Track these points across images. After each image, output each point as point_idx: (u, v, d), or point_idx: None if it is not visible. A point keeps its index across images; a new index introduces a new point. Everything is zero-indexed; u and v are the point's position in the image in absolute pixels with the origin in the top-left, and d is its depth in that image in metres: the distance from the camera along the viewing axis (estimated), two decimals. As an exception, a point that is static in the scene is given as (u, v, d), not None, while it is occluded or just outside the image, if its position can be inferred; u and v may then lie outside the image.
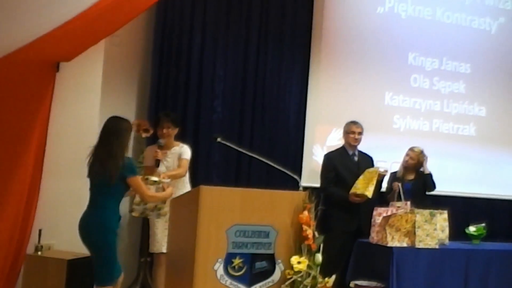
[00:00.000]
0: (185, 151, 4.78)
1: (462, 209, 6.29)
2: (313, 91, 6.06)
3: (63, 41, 4.29)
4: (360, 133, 5.20)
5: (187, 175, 4.81)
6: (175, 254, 3.84)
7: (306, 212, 3.61)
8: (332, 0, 6.15)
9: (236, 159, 5.64)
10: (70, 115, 4.84)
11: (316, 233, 3.65)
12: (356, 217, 5.02)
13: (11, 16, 3.90)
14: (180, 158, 4.74)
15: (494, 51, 6.77)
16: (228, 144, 4.49)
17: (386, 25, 6.35)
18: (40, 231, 4.56)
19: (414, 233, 4.49)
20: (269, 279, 3.57)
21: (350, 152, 5.23)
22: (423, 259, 4.50)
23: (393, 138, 6.24)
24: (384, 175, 5.12)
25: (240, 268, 3.51)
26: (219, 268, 3.45)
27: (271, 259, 3.58)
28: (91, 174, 3.72)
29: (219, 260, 3.45)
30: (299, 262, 3.53)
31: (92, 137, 4.57)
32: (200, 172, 5.36)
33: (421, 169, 5.41)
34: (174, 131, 4.80)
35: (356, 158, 5.23)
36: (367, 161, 5.25)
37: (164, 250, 4.44)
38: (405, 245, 4.49)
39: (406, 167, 5.47)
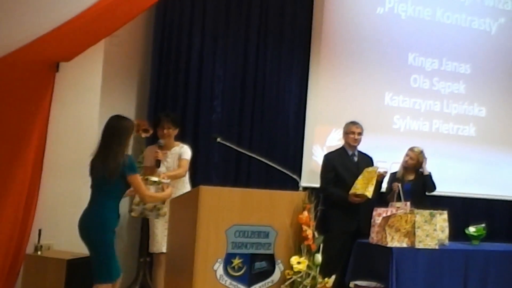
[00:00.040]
0: (185, 151, 4.77)
1: (462, 210, 6.30)
2: (313, 91, 6.06)
3: (63, 41, 4.29)
4: (360, 134, 5.20)
5: (187, 175, 4.81)
6: (175, 254, 3.84)
7: (305, 213, 3.61)
8: (332, 1, 6.15)
9: (235, 159, 5.64)
10: (70, 115, 4.84)
11: (315, 234, 3.66)
12: (355, 217, 5.02)
13: (11, 16, 3.90)
14: (180, 158, 4.74)
15: (494, 51, 6.77)
16: (227, 144, 4.49)
17: (386, 26, 6.36)
18: (39, 231, 4.56)
19: (414, 234, 4.49)
20: (269, 279, 3.58)
21: (350, 153, 5.23)
22: (423, 259, 4.50)
23: (393, 139, 6.24)
24: (383, 176, 5.12)
25: (239, 268, 3.51)
26: (219, 268, 3.45)
27: (270, 259, 3.59)
28: (92, 171, 3.75)
29: (219, 260, 3.45)
30: (298, 263, 3.54)
31: (91, 137, 4.59)
32: (200, 172, 5.36)
33: (420, 170, 5.41)
34: (175, 131, 4.80)
35: (356, 159, 5.23)
36: (366, 161, 5.24)
37: (164, 250, 4.44)
38: (404, 245, 4.49)
39: (406, 167, 5.47)
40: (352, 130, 5.18)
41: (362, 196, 4.86)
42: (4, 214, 4.42)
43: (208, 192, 3.48)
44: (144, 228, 5.04)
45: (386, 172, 5.18)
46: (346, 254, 4.89)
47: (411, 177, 5.44)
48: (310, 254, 3.60)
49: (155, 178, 4.20)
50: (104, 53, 4.88)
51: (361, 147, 5.30)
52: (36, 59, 4.50)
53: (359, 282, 4.67)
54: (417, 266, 4.48)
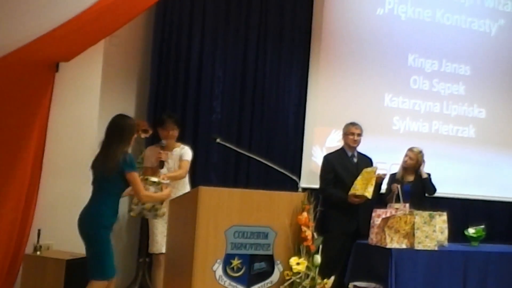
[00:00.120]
0: (186, 152, 4.77)
1: (461, 211, 6.30)
2: (312, 92, 6.06)
3: (63, 41, 4.28)
4: (360, 135, 5.20)
5: (187, 176, 4.80)
6: (174, 254, 3.84)
7: (305, 213, 3.61)
8: (331, 1, 6.16)
9: (235, 159, 5.64)
10: (69, 115, 4.84)
11: (315, 234, 3.65)
12: (355, 218, 5.02)
13: (11, 16, 3.91)
14: (181, 159, 4.74)
15: (494, 53, 6.78)
16: (227, 144, 4.49)
17: (386, 27, 6.36)
18: (39, 231, 4.55)
19: (413, 235, 4.48)
20: (268, 280, 3.57)
21: (349, 154, 5.23)
22: (422, 260, 4.49)
23: (393, 140, 6.24)
24: (382, 179, 5.12)
25: (239, 269, 3.51)
26: (218, 269, 3.45)
27: (270, 260, 3.58)
28: (93, 167, 3.79)
29: (218, 260, 3.45)
30: (298, 263, 3.54)
31: (91, 137, 4.61)
32: (199, 173, 5.36)
33: (419, 173, 5.41)
34: (177, 132, 4.81)
35: (355, 160, 5.23)
36: (366, 162, 5.24)
37: (164, 251, 4.43)
38: (404, 246, 4.48)
39: (405, 168, 5.46)
40: (352, 131, 5.18)
41: (362, 196, 4.85)
42: (3, 214, 4.42)
43: (208, 193, 3.48)
44: (143, 228, 5.04)
45: (385, 175, 5.17)
46: (345, 255, 4.88)
47: (410, 178, 5.44)
48: (309, 255, 3.60)
49: (155, 179, 4.20)
50: (104, 53, 4.88)
51: (360, 148, 5.29)
52: (36, 59, 4.50)
53: (358, 283, 4.66)
54: (417, 267, 4.48)
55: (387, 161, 5.89)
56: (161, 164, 4.65)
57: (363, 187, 4.85)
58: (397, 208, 4.64)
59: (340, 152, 5.28)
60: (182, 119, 5.31)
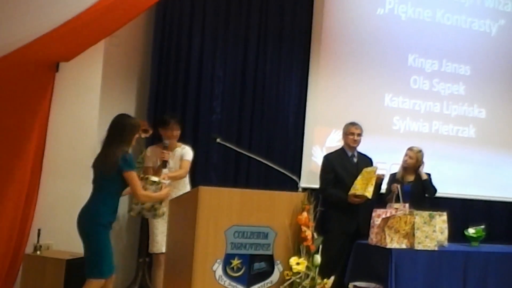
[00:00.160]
0: (187, 152, 4.77)
1: (461, 211, 6.30)
2: (312, 92, 6.06)
3: (63, 41, 4.29)
4: (360, 135, 5.19)
5: (188, 175, 4.80)
6: (174, 254, 3.84)
7: (305, 213, 3.61)
8: (331, 1, 6.15)
9: (235, 159, 5.64)
10: (70, 115, 4.84)
11: (315, 234, 3.66)
12: (355, 218, 5.01)
13: (11, 16, 3.91)
14: (182, 159, 4.74)
15: (494, 53, 6.77)
16: (227, 144, 4.49)
17: (386, 27, 6.36)
18: (39, 230, 4.55)
19: (413, 235, 4.48)
20: (268, 280, 3.58)
21: (349, 154, 5.23)
22: (422, 260, 4.49)
23: (393, 140, 6.24)
24: (382, 179, 5.11)
25: (238, 269, 3.51)
26: (218, 269, 3.45)
27: (269, 260, 3.59)
28: (93, 166, 3.81)
29: (218, 260, 3.45)
30: (298, 263, 3.54)
31: (91, 137, 4.61)
32: (199, 173, 5.36)
33: (418, 174, 5.41)
34: (179, 132, 4.81)
35: (355, 160, 5.22)
36: (366, 162, 5.23)
37: (164, 251, 4.43)
38: (404, 246, 4.48)
39: (405, 168, 5.46)
40: (352, 131, 5.18)
41: (362, 196, 4.85)
42: (3, 213, 4.43)
43: (208, 193, 3.48)
44: (143, 228, 5.04)
45: (384, 175, 5.17)
46: (345, 255, 4.88)
47: (410, 178, 5.44)
48: (309, 255, 3.60)
49: (155, 178, 4.20)
50: (104, 53, 4.89)
51: (360, 148, 5.29)
52: (36, 59, 4.50)
53: (358, 283, 4.66)
54: (416, 268, 4.47)
55: (387, 161, 5.89)
56: (164, 164, 4.65)
57: (363, 187, 4.84)
58: (397, 208, 4.64)
59: (340, 152, 5.28)
60: (182, 119, 5.31)
